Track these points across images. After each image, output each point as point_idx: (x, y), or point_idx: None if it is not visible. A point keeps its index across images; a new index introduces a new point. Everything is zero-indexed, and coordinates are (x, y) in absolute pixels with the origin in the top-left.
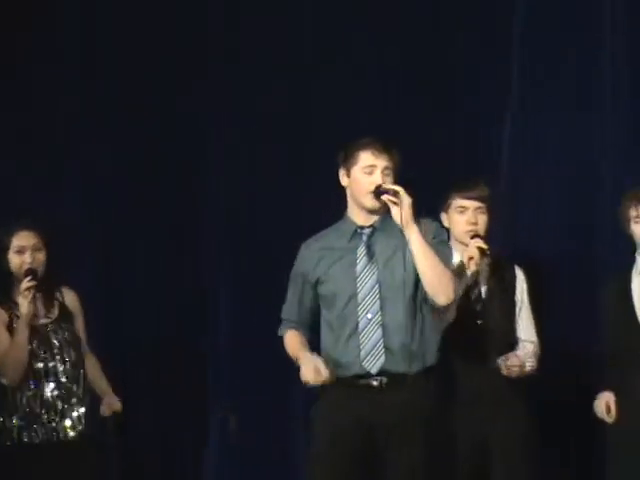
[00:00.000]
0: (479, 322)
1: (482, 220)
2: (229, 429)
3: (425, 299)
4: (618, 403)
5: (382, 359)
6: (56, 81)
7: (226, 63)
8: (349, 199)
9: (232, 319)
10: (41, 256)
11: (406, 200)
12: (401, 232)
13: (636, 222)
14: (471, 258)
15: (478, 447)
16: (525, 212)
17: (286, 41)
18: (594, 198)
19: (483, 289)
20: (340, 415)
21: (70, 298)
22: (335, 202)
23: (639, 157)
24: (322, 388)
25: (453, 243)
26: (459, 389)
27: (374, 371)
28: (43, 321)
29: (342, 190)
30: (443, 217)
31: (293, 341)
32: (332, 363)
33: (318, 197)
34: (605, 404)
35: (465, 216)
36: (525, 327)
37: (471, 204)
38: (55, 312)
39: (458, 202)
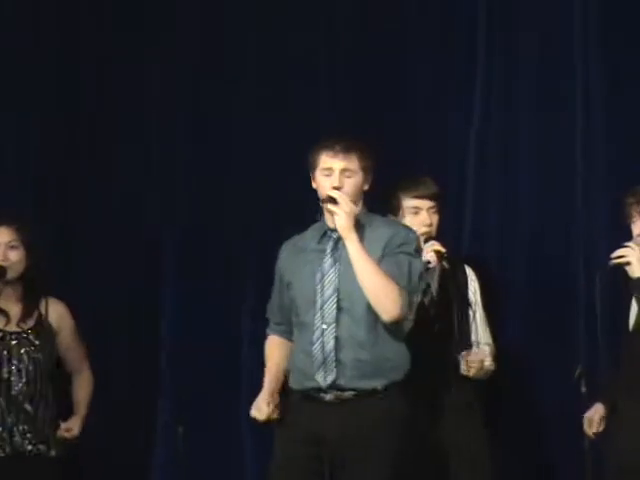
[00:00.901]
0: (435, 328)
1: (436, 220)
2: (177, 439)
3: None
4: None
5: (334, 373)
6: None
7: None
8: None
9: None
10: (15, 255)
11: (346, 208)
12: (379, 236)
13: (634, 222)
14: (428, 263)
15: (438, 455)
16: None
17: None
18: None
19: (435, 292)
20: (293, 429)
21: (57, 312)
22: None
23: (608, 157)
24: (282, 397)
25: None
26: (418, 398)
27: (325, 385)
28: (11, 328)
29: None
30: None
31: (268, 355)
32: (293, 372)
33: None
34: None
35: (419, 217)
36: (480, 329)
37: (424, 204)
38: (30, 323)
39: (410, 203)
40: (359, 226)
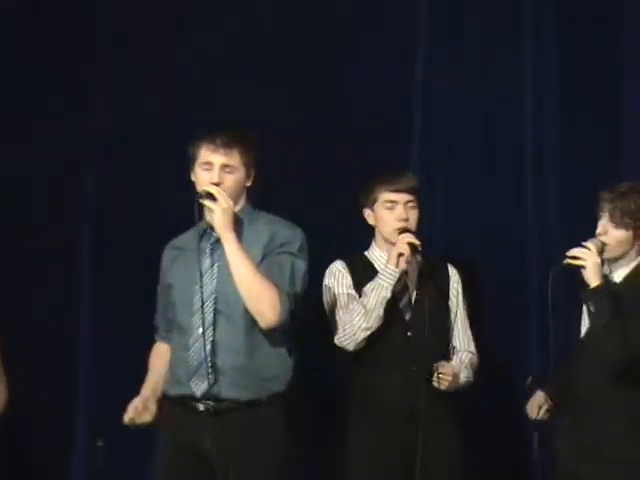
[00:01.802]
0: (409, 334)
1: (413, 215)
2: (97, 453)
3: None
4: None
5: (208, 381)
6: None
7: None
8: None
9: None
10: None
11: (223, 204)
12: (260, 235)
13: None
14: (401, 255)
15: (402, 466)
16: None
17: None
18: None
19: (413, 295)
20: (168, 439)
21: None
22: None
23: (566, 155)
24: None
25: (381, 243)
26: (387, 407)
27: (199, 394)
28: None
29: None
30: (367, 214)
31: (151, 362)
32: (170, 377)
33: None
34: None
35: (395, 212)
36: (461, 335)
37: (400, 198)
38: None
39: (385, 196)
40: (239, 224)
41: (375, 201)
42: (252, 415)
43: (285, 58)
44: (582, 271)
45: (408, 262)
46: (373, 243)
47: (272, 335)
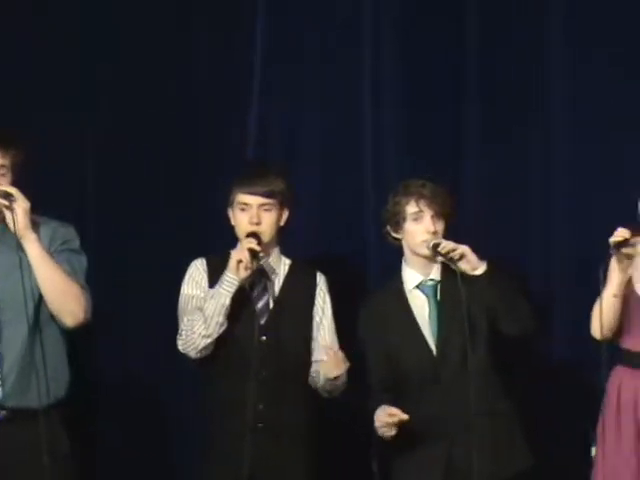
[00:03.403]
0: (264, 338)
1: (267, 219)
2: None
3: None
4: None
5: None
6: None
7: None
8: None
9: None
10: None
11: (22, 204)
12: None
13: (415, 220)
14: (240, 262)
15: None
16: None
17: None
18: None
19: (271, 299)
20: None
21: None
22: None
23: (409, 153)
24: None
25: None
26: (235, 415)
27: None
28: None
29: None
30: (229, 214)
31: None
32: None
33: None
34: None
35: (247, 214)
36: (324, 346)
37: (254, 200)
38: None
39: (240, 198)
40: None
41: (232, 202)
42: (26, 428)
43: None
44: (462, 263)
45: (247, 269)
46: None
47: (56, 338)
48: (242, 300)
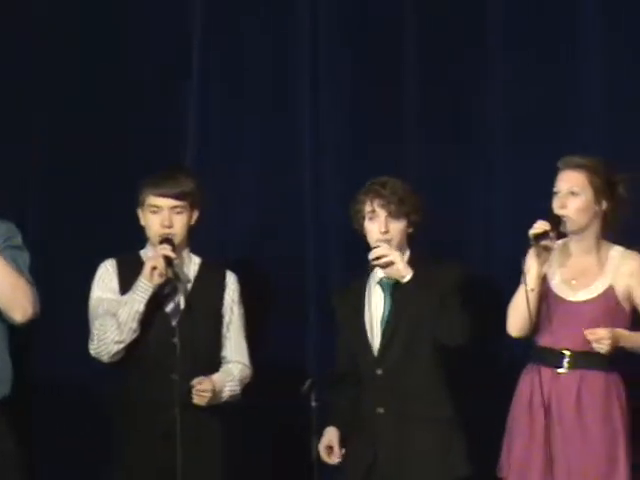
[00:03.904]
0: (175, 340)
1: (179, 222)
2: None
3: None
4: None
5: None
6: None
7: None
8: None
9: None
10: None
11: None
12: None
13: (370, 219)
14: (154, 268)
15: None
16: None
17: None
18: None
19: (182, 300)
20: None
21: None
22: None
23: (349, 153)
24: None
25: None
26: (148, 419)
27: None
28: None
29: None
30: (139, 214)
31: None
32: None
33: None
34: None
35: (158, 217)
36: (233, 345)
37: (165, 203)
38: None
39: (150, 200)
40: None
41: (143, 203)
42: None
43: None
44: (390, 270)
45: (162, 275)
46: (148, 243)
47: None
48: (153, 302)
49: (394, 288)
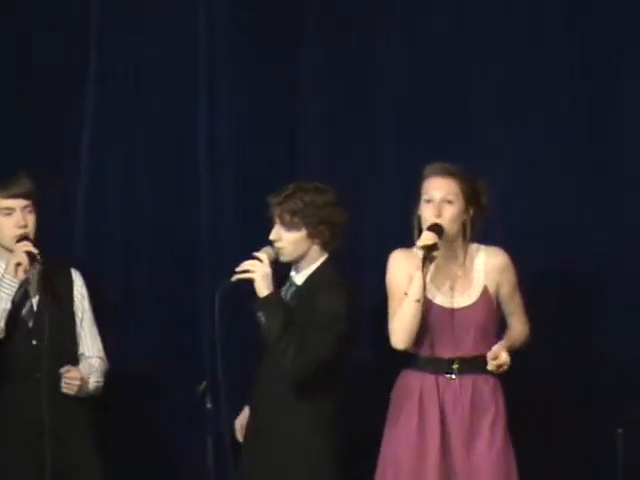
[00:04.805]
0: (34, 342)
1: (32, 220)
2: None
3: None
4: None
5: None
6: None
7: None
8: None
9: None
10: None
11: None
12: None
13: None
14: (19, 264)
15: None
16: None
17: None
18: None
19: (35, 301)
20: None
21: None
22: None
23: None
24: None
25: (1, 252)
26: (21, 421)
27: None
28: None
29: None
30: None
31: None
32: None
33: None
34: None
35: (13, 218)
36: (89, 341)
37: (17, 203)
38: None
39: (2, 203)
40: None
41: None
42: None
43: None
44: (254, 284)
45: (27, 271)
46: None
47: None
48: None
49: (294, 293)
